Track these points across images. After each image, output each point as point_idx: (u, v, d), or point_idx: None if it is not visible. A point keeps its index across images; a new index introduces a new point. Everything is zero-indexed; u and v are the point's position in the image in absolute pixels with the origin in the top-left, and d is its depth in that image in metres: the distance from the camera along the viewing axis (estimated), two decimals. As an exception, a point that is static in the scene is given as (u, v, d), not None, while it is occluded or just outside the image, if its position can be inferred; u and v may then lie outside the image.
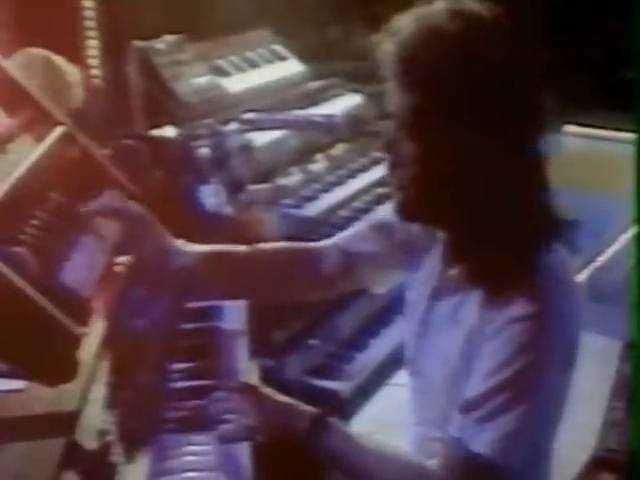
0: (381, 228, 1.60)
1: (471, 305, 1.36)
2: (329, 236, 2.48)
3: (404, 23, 1.29)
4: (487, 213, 1.31)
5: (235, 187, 2.33)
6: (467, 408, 1.29)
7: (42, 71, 2.24)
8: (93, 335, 1.39)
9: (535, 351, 1.27)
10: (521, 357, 1.26)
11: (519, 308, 1.27)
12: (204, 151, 2.34)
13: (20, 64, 2.24)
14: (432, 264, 1.48)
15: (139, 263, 1.52)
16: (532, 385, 1.27)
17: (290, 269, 1.62)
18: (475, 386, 1.29)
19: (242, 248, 1.61)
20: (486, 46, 1.26)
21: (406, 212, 1.37)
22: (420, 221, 1.42)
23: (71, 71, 2.33)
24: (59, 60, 2.31)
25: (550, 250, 1.32)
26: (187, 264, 1.53)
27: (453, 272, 1.41)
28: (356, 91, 3.09)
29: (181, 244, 1.55)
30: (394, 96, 1.30)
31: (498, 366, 1.27)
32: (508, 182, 1.29)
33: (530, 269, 1.30)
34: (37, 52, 2.30)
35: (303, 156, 2.75)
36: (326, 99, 3.03)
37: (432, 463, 1.32)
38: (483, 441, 1.26)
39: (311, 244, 1.66)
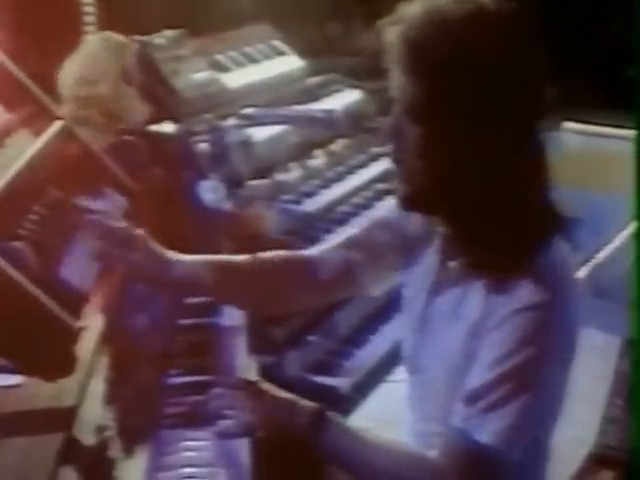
0: (379, 229, 1.59)
1: (474, 298, 1.35)
2: (328, 232, 2.50)
3: (411, 10, 1.29)
4: (490, 205, 1.30)
5: (234, 183, 2.33)
6: (470, 398, 1.29)
7: (116, 55, 2.25)
8: (92, 330, 1.39)
9: (539, 342, 1.27)
10: (525, 348, 1.26)
11: (523, 299, 1.28)
12: (203, 147, 2.34)
13: (91, 49, 2.25)
14: (430, 260, 1.47)
15: (135, 274, 1.51)
16: (536, 376, 1.27)
17: (287, 278, 1.61)
18: (479, 376, 1.29)
19: (239, 258, 1.60)
20: (491, 35, 1.26)
21: (409, 201, 1.37)
22: (423, 211, 1.41)
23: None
24: (128, 41, 2.32)
25: (552, 245, 1.32)
26: (182, 275, 1.52)
27: (453, 265, 1.41)
28: (356, 87, 3.09)
29: (174, 255, 1.53)
30: (398, 82, 1.30)
31: (502, 357, 1.27)
32: (511, 175, 1.29)
33: (533, 262, 1.30)
34: (108, 35, 2.31)
35: (302, 152, 2.75)
36: (326, 95, 3.02)
37: (433, 454, 1.32)
38: (487, 431, 1.26)
39: (308, 252, 1.65)
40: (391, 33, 1.29)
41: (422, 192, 1.33)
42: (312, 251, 1.65)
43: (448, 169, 1.29)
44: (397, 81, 1.30)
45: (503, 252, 1.32)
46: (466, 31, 1.25)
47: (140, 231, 1.50)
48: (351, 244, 1.60)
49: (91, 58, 2.26)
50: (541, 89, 1.31)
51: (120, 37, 2.35)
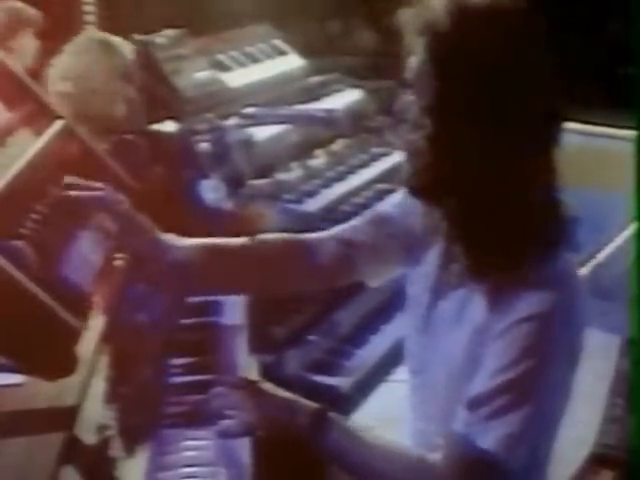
0: (380, 221, 1.59)
1: (477, 303, 1.35)
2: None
3: None
4: (494, 204, 1.30)
5: (235, 182, 2.33)
6: (474, 405, 1.28)
7: (102, 53, 2.25)
8: (93, 329, 1.39)
9: (543, 351, 1.26)
10: (529, 357, 1.26)
11: (527, 307, 1.27)
12: (204, 146, 2.34)
13: (79, 48, 2.25)
14: (432, 260, 1.47)
15: (133, 258, 1.52)
16: (539, 384, 1.27)
17: (286, 260, 1.61)
18: (482, 383, 1.28)
19: (237, 240, 1.59)
20: (512, 28, 1.28)
21: (417, 187, 1.37)
22: (429, 200, 1.40)
23: (129, 50, 2.34)
24: (118, 40, 2.32)
25: (556, 248, 1.32)
26: (180, 258, 1.52)
27: (454, 268, 1.41)
28: (357, 86, 3.09)
29: (173, 238, 1.54)
30: (415, 68, 1.31)
31: (506, 365, 1.27)
32: (518, 175, 1.29)
33: (536, 265, 1.29)
34: (96, 35, 2.31)
35: (303, 151, 2.75)
36: (326, 94, 3.02)
37: (434, 457, 1.32)
38: (489, 438, 1.26)
39: (307, 235, 1.65)
40: (412, 19, 1.30)
41: (431, 181, 1.33)
42: (311, 235, 1.65)
43: (456, 158, 1.29)
44: (414, 67, 1.31)
45: (506, 255, 1.31)
46: (488, 23, 1.26)
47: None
48: (352, 233, 1.61)
49: (73, 57, 2.26)
50: (553, 89, 1.31)
51: (111, 38, 2.34)
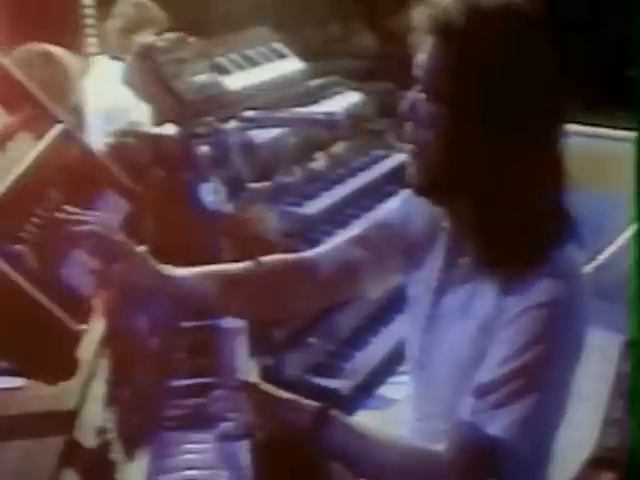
0: (380, 229, 1.59)
1: (485, 296, 1.35)
2: (329, 234, 2.51)
3: None
4: (503, 200, 1.31)
5: (235, 185, 2.32)
6: (480, 393, 1.29)
7: (43, 66, 2.25)
8: (93, 333, 1.39)
9: (550, 340, 1.27)
10: (536, 345, 1.27)
11: (536, 296, 1.28)
12: (204, 149, 2.34)
13: (20, 60, 2.25)
14: (435, 259, 1.48)
15: (132, 289, 1.51)
16: (546, 373, 1.28)
17: (287, 283, 1.60)
18: (489, 372, 1.29)
19: (239, 266, 1.59)
20: (523, 27, 1.29)
21: (423, 187, 1.37)
22: (436, 199, 1.40)
23: (72, 62, 2.34)
24: (60, 52, 2.32)
25: (563, 244, 1.33)
26: (181, 289, 1.51)
27: (462, 262, 1.41)
28: (356, 89, 3.09)
29: (171, 269, 1.51)
30: (423, 64, 1.32)
31: (514, 353, 1.27)
32: (527, 173, 1.30)
33: (544, 260, 1.30)
34: (37, 47, 2.31)
35: (303, 154, 2.76)
36: (326, 97, 3.03)
37: (439, 447, 1.32)
38: (496, 425, 1.26)
39: (306, 253, 1.65)
40: (421, 15, 1.31)
41: (437, 180, 1.34)
42: (312, 251, 1.65)
43: (464, 157, 1.30)
44: (422, 62, 1.32)
45: (514, 249, 1.32)
46: (496, 23, 1.28)
47: (140, 247, 1.49)
48: (352, 244, 1.60)
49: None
50: (556, 89, 1.32)
51: (53, 49, 2.34)
